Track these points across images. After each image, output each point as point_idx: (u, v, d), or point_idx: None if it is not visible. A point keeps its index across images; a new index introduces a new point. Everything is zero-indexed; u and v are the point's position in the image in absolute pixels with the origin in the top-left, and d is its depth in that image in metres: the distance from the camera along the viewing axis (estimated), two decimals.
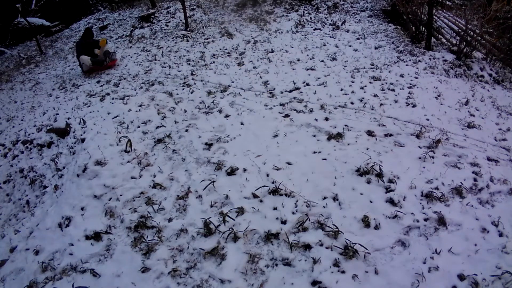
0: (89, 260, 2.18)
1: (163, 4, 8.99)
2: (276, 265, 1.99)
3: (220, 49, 5.62)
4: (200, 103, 3.83)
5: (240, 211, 2.34)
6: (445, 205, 2.33)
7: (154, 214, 2.43)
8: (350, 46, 5.37)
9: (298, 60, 4.84)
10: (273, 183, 2.54)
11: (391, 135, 3.06)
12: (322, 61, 4.76)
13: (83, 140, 3.36)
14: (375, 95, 3.75)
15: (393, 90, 3.88)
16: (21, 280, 2.17)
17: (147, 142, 3.21)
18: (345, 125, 3.18)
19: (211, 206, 2.43)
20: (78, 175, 2.88)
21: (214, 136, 3.17)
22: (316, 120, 3.30)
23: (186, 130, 3.34)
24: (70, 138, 3.57)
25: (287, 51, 5.25)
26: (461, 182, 2.51)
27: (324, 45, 5.43)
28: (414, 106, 3.54)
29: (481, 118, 3.47)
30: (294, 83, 4.06)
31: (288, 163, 2.74)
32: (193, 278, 1.97)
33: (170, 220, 2.37)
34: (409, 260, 1.97)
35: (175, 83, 4.48)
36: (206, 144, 3.08)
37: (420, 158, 2.76)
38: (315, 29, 6.35)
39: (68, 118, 3.99)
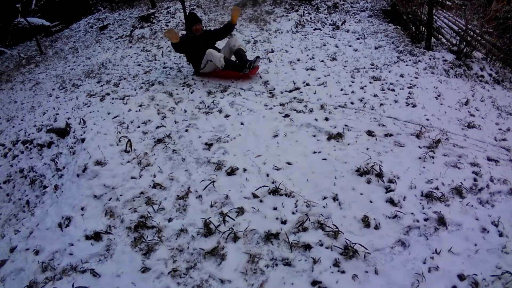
0: (89, 260, 2.18)
1: (163, 4, 8.99)
2: (276, 265, 1.99)
3: None
4: (200, 103, 3.83)
5: (240, 211, 2.34)
6: (445, 205, 2.33)
7: (154, 214, 2.43)
8: (350, 46, 5.37)
9: (298, 60, 4.84)
10: (273, 183, 2.54)
11: (391, 135, 3.06)
12: (322, 61, 4.76)
13: (83, 140, 3.36)
14: (375, 95, 3.75)
15: (393, 90, 3.88)
16: (21, 280, 2.17)
17: (147, 142, 3.21)
18: (345, 125, 3.18)
19: (211, 206, 2.43)
20: (78, 175, 2.88)
21: (214, 136, 3.17)
22: (316, 120, 3.30)
23: (186, 130, 3.34)
24: (70, 138, 3.57)
25: (287, 51, 5.25)
26: (461, 182, 2.50)
27: (324, 45, 5.43)
28: (414, 106, 3.54)
29: (481, 118, 3.47)
30: (294, 83, 4.06)
31: (288, 163, 2.74)
32: (193, 278, 1.97)
33: (170, 220, 2.37)
34: (409, 260, 1.97)
35: (175, 83, 4.48)
36: (206, 144, 3.08)
37: (420, 158, 2.76)
38: (315, 29, 6.35)
39: (68, 118, 3.99)
